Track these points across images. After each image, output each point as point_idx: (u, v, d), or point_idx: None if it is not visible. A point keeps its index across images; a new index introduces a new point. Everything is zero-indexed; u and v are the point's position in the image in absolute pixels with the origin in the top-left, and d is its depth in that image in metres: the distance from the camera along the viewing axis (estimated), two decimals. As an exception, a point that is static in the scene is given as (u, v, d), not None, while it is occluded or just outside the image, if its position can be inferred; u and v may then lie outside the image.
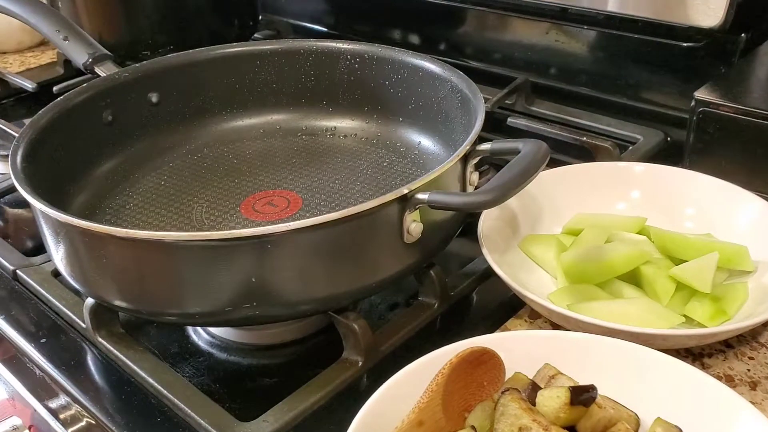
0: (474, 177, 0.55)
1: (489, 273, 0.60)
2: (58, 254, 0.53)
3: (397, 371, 0.51)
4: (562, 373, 0.42)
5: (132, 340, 0.55)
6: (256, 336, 0.58)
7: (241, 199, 0.65)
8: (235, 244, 0.46)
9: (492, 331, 0.54)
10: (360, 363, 0.51)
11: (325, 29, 1.08)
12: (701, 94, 0.67)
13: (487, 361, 0.43)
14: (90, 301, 0.55)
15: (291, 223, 0.46)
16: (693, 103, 0.68)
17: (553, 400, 0.39)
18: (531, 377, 0.42)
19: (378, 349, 0.52)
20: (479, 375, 0.42)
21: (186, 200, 0.65)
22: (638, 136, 0.79)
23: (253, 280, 0.47)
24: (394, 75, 0.71)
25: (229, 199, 0.65)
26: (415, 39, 1.01)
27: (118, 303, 0.51)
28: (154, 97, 0.71)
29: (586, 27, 0.85)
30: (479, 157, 0.54)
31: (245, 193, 0.66)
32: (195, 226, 0.61)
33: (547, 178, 0.60)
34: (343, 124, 0.75)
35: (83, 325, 0.56)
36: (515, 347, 0.44)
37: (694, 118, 0.68)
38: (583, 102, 0.86)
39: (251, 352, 0.58)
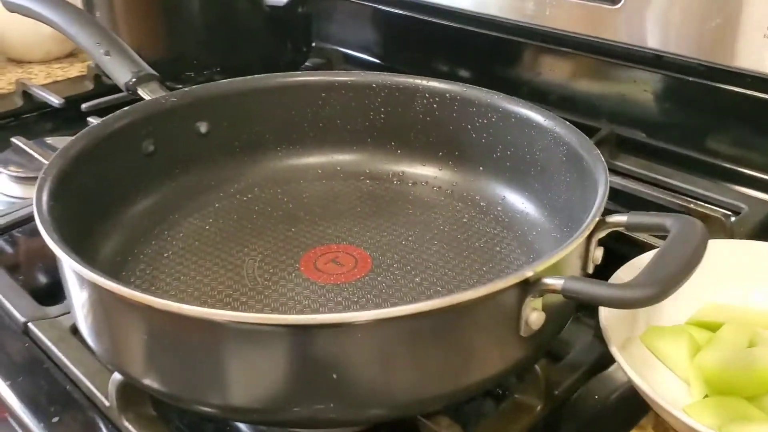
0: (598, 254, 0.45)
1: (600, 366, 0.50)
2: (83, 318, 0.43)
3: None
4: None
5: (164, 426, 0.45)
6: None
7: (301, 253, 0.55)
8: (311, 331, 0.36)
9: (610, 447, 0.44)
10: (452, 481, 0.41)
11: (378, 61, 1.00)
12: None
13: None
14: (118, 376, 0.45)
15: (388, 310, 0.36)
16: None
17: None
18: None
19: (473, 463, 0.42)
20: None
21: (235, 250, 0.55)
22: (742, 206, 0.69)
23: (335, 376, 0.37)
24: (480, 119, 0.61)
25: (286, 253, 0.55)
26: (469, 75, 0.92)
27: (149, 383, 0.41)
28: (202, 127, 0.61)
29: (682, 77, 0.76)
30: (608, 231, 0.45)
31: (304, 246, 0.56)
32: (248, 285, 0.51)
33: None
34: (413, 169, 0.65)
35: (106, 403, 0.46)
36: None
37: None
38: (672, 160, 0.77)
39: (305, 444, 0.48)
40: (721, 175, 0.74)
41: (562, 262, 0.41)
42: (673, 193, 0.70)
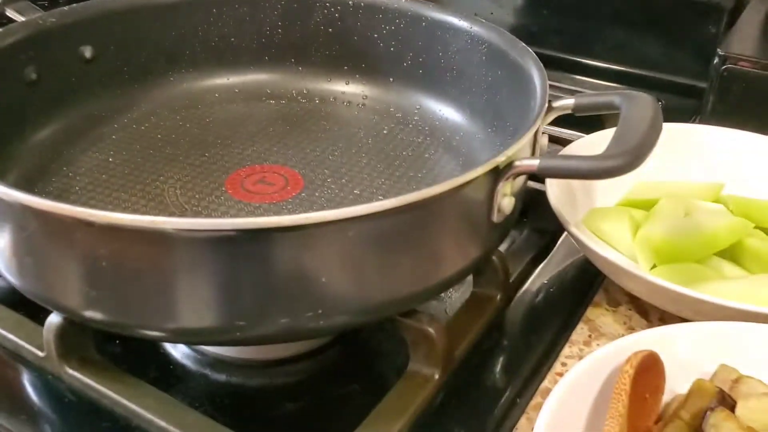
0: (544, 141, 0.45)
1: (544, 254, 0.51)
2: (4, 253, 0.38)
3: (471, 382, 0.42)
4: (745, 375, 0.33)
5: (117, 370, 0.41)
6: (261, 350, 0.46)
7: (223, 176, 0.51)
8: (306, 231, 0.34)
9: (572, 326, 0.45)
10: (437, 376, 0.40)
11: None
12: (726, 50, 0.61)
13: (651, 368, 0.33)
14: (55, 319, 0.39)
15: (382, 202, 0.34)
16: (716, 61, 0.62)
17: (764, 413, 0.30)
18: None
19: (452, 356, 0.42)
20: (641, 387, 0.33)
21: (149, 180, 0.51)
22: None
23: (324, 279, 0.35)
24: (387, 26, 0.59)
25: (207, 178, 0.51)
26: None
27: (93, 316, 0.36)
28: (87, 52, 0.55)
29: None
30: (555, 116, 0.45)
31: (224, 169, 0.52)
32: (175, 213, 0.47)
33: (589, 143, 0.52)
34: (318, 86, 0.62)
35: (40, 354, 0.41)
36: (673, 346, 0.35)
37: (717, 76, 0.62)
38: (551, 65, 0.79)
39: (258, 370, 0.45)
40: (596, 74, 0.78)
41: (522, 148, 0.40)
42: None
